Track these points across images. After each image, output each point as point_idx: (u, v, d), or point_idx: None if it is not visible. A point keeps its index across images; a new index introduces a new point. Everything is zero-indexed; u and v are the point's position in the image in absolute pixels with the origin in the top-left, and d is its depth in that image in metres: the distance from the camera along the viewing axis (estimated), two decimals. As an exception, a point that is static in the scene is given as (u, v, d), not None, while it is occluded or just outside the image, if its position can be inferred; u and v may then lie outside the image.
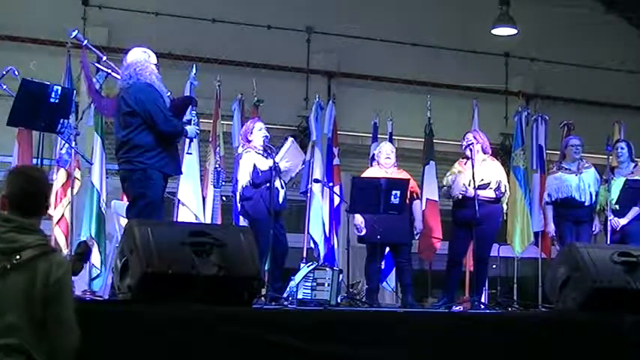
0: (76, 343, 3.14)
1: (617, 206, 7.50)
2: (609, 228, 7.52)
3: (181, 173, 6.48)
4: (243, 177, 6.90)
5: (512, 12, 10.36)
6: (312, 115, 9.12)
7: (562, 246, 7.45)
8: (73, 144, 7.00)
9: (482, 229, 6.94)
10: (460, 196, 7.09)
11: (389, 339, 4.55)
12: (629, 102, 11.64)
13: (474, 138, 7.22)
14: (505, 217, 8.01)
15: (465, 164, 7.26)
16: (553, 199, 7.65)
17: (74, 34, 6.45)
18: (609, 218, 7.56)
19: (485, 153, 7.24)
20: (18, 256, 3.04)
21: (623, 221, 7.50)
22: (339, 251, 8.78)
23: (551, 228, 7.68)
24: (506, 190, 7.27)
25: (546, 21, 11.30)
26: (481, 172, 7.03)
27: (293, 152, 7.21)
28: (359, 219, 7.29)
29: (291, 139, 7.50)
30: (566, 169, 7.68)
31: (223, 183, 8.15)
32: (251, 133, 7.05)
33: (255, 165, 6.84)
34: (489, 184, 7.09)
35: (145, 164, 5.38)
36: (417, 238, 7.78)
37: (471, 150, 7.06)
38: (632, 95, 11.68)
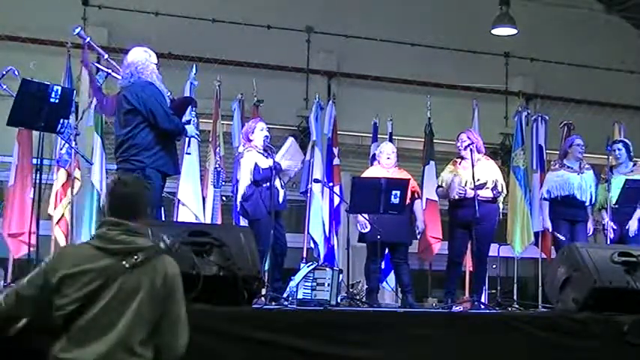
0: (185, 345, 3.22)
1: (616, 205, 7.49)
2: (610, 228, 7.52)
3: (179, 173, 6.48)
4: (245, 176, 6.90)
5: (512, 12, 10.36)
6: (312, 115, 9.12)
7: (557, 245, 7.46)
8: (73, 144, 7.00)
9: (481, 229, 6.94)
10: (457, 197, 7.10)
11: (389, 339, 4.55)
12: (629, 102, 11.66)
13: (468, 138, 7.22)
14: (503, 217, 8.01)
15: (459, 164, 7.26)
16: (553, 196, 7.63)
17: (77, 30, 6.45)
18: (603, 221, 7.58)
19: (479, 152, 7.23)
20: (136, 257, 3.16)
21: (634, 225, 7.49)
22: (339, 251, 8.78)
23: (548, 224, 7.68)
24: (502, 189, 7.27)
25: (546, 21, 11.31)
26: (477, 172, 7.02)
27: (293, 151, 7.22)
28: (362, 216, 7.28)
29: (291, 138, 7.50)
30: (568, 167, 7.67)
31: (223, 183, 8.15)
32: (252, 132, 7.05)
33: (256, 163, 6.85)
34: (486, 183, 7.09)
35: (144, 163, 5.37)
36: (418, 237, 7.78)
37: (471, 150, 7.05)
38: (632, 95, 11.69)
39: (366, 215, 7.23)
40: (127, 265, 3.14)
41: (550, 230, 7.72)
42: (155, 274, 3.16)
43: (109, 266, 3.14)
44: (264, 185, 6.80)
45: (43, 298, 3.21)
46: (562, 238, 7.44)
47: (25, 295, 3.26)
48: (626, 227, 7.52)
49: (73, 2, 9.75)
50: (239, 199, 7.03)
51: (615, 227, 7.53)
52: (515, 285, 9.12)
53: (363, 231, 7.30)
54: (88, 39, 6.53)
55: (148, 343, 3.15)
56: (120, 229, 3.22)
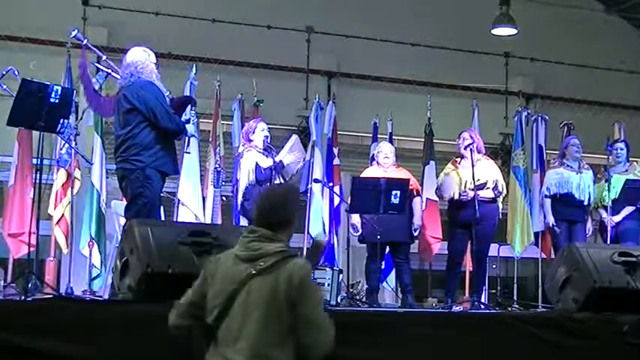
0: (328, 343, 3.26)
1: (613, 205, 7.50)
2: (609, 227, 7.53)
3: (179, 173, 6.46)
4: (246, 175, 6.91)
5: (512, 12, 10.35)
6: (312, 115, 9.11)
7: (557, 245, 7.46)
8: (73, 144, 7.00)
9: (481, 229, 6.93)
10: (447, 197, 7.09)
11: (389, 339, 4.55)
12: (629, 102, 11.65)
13: (470, 137, 7.21)
14: (503, 217, 8.00)
15: (459, 164, 7.25)
16: (552, 194, 7.62)
17: (74, 33, 6.45)
18: (604, 217, 7.58)
19: (479, 152, 7.23)
20: (262, 263, 3.23)
21: (617, 218, 7.51)
22: (339, 251, 8.78)
23: (551, 219, 7.62)
24: (503, 189, 7.26)
25: (546, 21, 11.31)
26: (477, 172, 7.01)
27: (297, 148, 7.23)
28: (356, 219, 7.29)
29: (295, 136, 7.54)
30: (568, 165, 7.67)
31: (223, 183, 8.15)
32: (253, 132, 7.05)
33: (257, 163, 6.86)
34: (486, 183, 7.08)
35: (144, 163, 5.36)
36: (415, 234, 7.79)
37: (471, 150, 7.04)
38: (632, 95, 11.69)
39: (358, 219, 7.24)
40: (254, 272, 3.22)
41: (551, 225, 7.63)
42: (280, 278, 3.21)
43: (240, 273, 3.24)
44: (266, 185, 6.81)
45: (202, 304, 3.32)
46: (557, 229, 7.43)
47: (191, 301, 3.37)
48: (617, 223, 7.53)
49: (73, 2, 9.74)
50: (240, 198, 7.03)
51: (613, 224, 7.54)
52: (515, 285, 9.12)
53: (355, 234, 7.33)
54: (86, 41, 6.53)
55: (284, 344, 3.19)
56: (253, 235, 3.32)
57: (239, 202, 7.07)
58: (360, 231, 7.27)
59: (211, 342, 3.27)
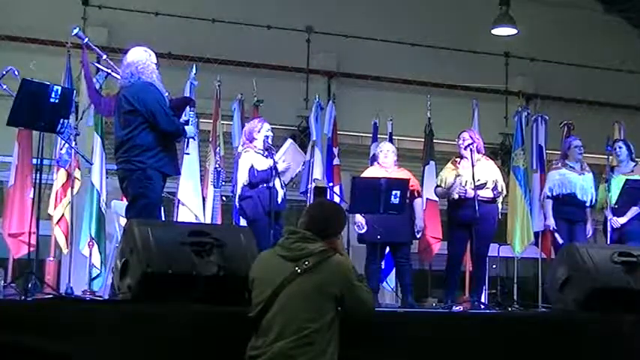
0: (372, 309, 3.92)
1: (616, 205, 7.49)
2: (609, 227, 7.52)
3: (180, 174, 6.44)
4: (242, 177, 6.90)
5: (512, 12, 10.35)
6: (312, 115, 9.12)
7: (557, 245, 7.46)
8: (73, 144, 7.00)
9: (481, 229, 6.93)
10: (457, 196, 7.09)
11: (389, 339, 4.55)
12: (629, 102, 11.65)
13: (470, 137, 7.20)
14: (503, 217, 8.00)
15: (459, 164, 7.24)
16: (555, 194, 7.62)
17: (75, 31, 6.44)
18: (609, 218, 7.57)
19: (479, 153, 7.22)
20: (307, 262, 3.60)
21: (623, 220, 7.51)
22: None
23: (551, 222, 7.63)
24: (502, 190, 7.26)
25: (546, 21, 11.30)
26: (477, 172, 7.00)
27: (292, 153, 7.21)
28: (359, 217, 7.29)
29: (290, 140, 7.51)
30: (570, 166, 7.68)
31: (223, 183, 8.15)
32: (259, 131, 7.01)
33: (252, 165, 6.84)
34: (486, 183, 7.08)
35: (145, 164, 5.36)
36: (418, 236, 7.77)
37: (471, 150, 7.04)
38: (632, 95, 11.68)
39: (361, 217, 7.23)
40: (299, 270, 3.57)
41: (552, 228, 7.65)
42: (325, 275, 3.59)
43: (285, 271, 3.62)
44: (264, 185, 6.80)
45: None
46: (560, 240, 7.43)
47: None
48: (621, 224, 7.53)
49: (73, 2, 9.74)
50: (237, 199, 7.02)
51: (616, 226, 7.53)
52: (515, 285, 9.11)
53: (360, 232, 7.31)
54: (87, 39, 6.52)
55: (324, 337, 3.57)
56: (296, 237, 3.70)
57: (237, 203, 7.06)
58: (366, 227, 7.25)
59: (253, 334, 3.66)
